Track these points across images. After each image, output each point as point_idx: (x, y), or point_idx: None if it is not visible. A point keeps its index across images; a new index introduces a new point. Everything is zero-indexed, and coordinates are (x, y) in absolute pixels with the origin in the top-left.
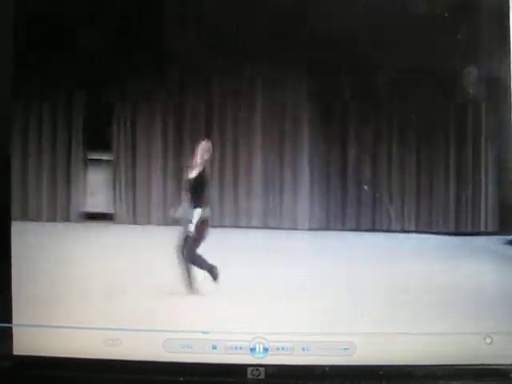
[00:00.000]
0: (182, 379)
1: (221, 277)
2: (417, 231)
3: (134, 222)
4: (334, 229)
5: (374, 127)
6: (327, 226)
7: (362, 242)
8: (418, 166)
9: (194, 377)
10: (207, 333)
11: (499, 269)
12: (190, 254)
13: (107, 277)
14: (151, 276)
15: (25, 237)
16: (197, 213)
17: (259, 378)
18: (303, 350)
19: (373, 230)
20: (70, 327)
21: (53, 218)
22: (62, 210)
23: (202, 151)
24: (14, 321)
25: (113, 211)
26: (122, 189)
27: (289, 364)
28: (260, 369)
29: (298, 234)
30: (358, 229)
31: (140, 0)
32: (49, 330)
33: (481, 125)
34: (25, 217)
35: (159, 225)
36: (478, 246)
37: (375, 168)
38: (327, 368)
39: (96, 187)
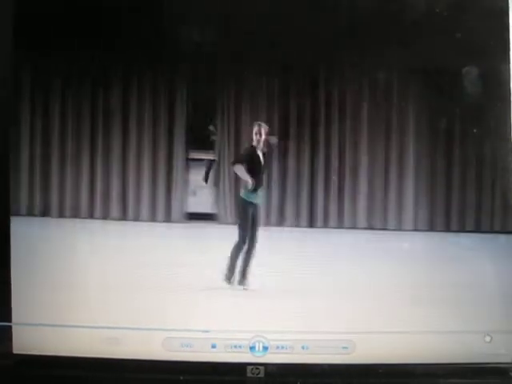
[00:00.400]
0: (181, 378)
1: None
2: (414, 230)
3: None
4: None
5: None
6: (324, 224)
7: (360, 240)
8: None
9: (193, 375)
10: (207, 331)
11: (499, 267)
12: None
13: (108, 275)
14: (152, 274)
15: (26, 233)
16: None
17: (259, 376)
18: (303, 348)
19: (369, 228)
20: (70, 326)
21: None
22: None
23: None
24: (14, 320)
25: (215, 211)
26: (226, 188)
27: (288, 362)
28: (260, 367)
29: (297, 233)
30: (354, 227)
31: None
32: (49, 329)
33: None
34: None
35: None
36: (477, 244)
37: None
38: (326, 366)
39: (198, 187)
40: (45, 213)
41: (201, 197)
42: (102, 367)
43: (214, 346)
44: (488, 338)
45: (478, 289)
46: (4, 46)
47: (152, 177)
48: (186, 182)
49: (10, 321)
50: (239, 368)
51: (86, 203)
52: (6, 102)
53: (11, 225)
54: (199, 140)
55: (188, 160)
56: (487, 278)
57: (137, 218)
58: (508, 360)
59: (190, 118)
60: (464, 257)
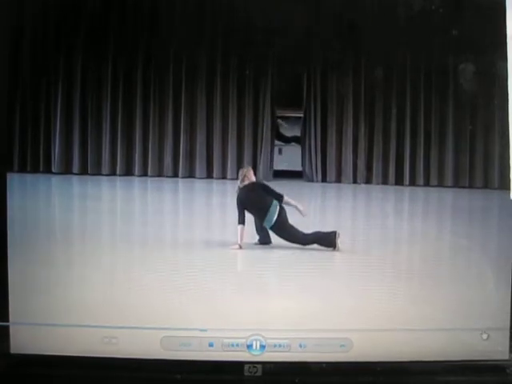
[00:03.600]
0: (179, 377)
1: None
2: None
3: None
4: None
5: None
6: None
7: (358, 235)
8: None
9: (191, 374)
10: (205, 330)
11: (496, 264)
12: None
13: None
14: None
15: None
16: None
17: (256, 374)
18: (300, 346)
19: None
20: (67, 325)
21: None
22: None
23: None
24: (11, 319)
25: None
26: (312, 147)
27: (286, 361)
28: (257, 366)
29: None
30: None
31: None
32: (46, 329)
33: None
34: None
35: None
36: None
37: None
38: (324, 365)
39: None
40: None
41: (287, 155)
42: (99, 366)
43: (211, 345)
44: (485, 336)
45: (474, 286)
46: None
47: (238, 135)
48: (272, 139)
49: (7, 320)
50: (237, 366)
51: (171, 163)
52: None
53: (7, 230)
54: (286, 98)
55: (275, 118)
56: (485, 274)
57: (224, 176)
58: (505, 357)
59: (276, 76)
60: (461, 254)
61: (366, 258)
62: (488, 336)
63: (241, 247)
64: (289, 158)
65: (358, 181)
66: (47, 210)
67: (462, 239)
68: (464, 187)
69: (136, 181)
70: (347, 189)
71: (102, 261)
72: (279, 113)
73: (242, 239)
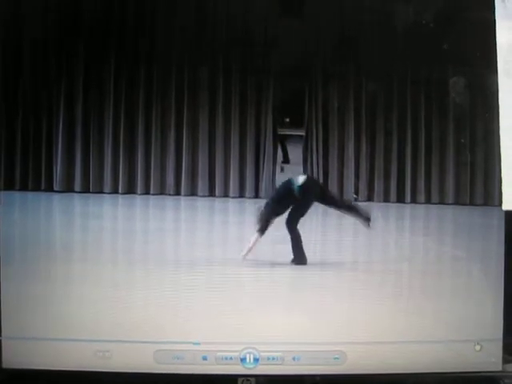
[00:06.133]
0: None
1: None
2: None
3: None
4: None
5: None
6: None
7: (348, 248)
8: None
9: None
10: (198, 344)
11: (488, 276)
12: None
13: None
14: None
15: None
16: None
17: None
18: (294, 359)
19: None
20: (60, 339)
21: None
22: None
23: None
24: (4, 333)
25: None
26: (314, 165)
27: (279, 374)
28: (251, 379)
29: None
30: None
31: None
32: (38, 343)
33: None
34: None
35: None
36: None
37: None
38: (318, 377)
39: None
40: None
41: (289, 173)
42: (93, 380)
43: (204, 358)
44: (478, 347)
45: (467, 297)
46: None
47: (240, 153)
48: (274, 158)
49: None
50: (230, 380)
51: (173, 181)
52: None
53: None
54: (288, 116)
55: (276, 136)
56: (478, 286)
57: (227, 194)
58: (498, 368)
59: (278, 93)
60: (454, 265)
61: (359, 272)
62: (481, 347)
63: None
64: (291, 175)
65: (360, 198)
66: (43, 226)
67: (454, 251)
68: (459, 204)
69: (138, 199)
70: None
71: (95, 275)
72: (281, 131)
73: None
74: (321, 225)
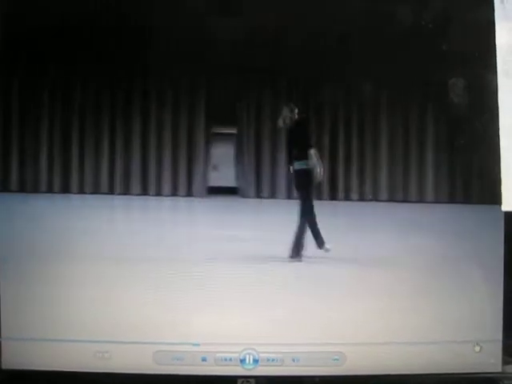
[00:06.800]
0: None
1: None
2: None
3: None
4: None
5: None
6: None
7: (350, 249)
8: None
9: None
10: (198, 344)
11: (487, 276)
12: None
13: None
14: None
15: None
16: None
17: None
18: (293, 360)
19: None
20: (59, 340)
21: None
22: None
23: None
24: (3, 334)
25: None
26: (246, 162)
27: (279, 375)
28: (250, 380)
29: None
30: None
31: None
32: (38, 344)
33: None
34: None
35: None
36: (468, 253)
37: None
38: (317, 379)
39: (219, 161)
40: (38, 209)
41: (222, 171)
42: (92, 381)
43: (204, 360)
44: (478, 348)
45: (466, 298)
46: None
47: (173, 152)
48: (207, 156)
49: None
50: (230, 381)
51: (107, 181)
52: None
53: None
54: (221, 114)
55: (209, 134)
56: (477, 287)
57: (160, 193)
58: (498, 369)
59: (212, 92)
60: (454, 266)
61: (359, 273)
62: (480, 348)
63: None
64: (224, 174)
65: (294, 196)
66: (40, 227)
67: (453, 252)
68: (457, 203)
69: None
70: (283, 204)
71: (94, 276)
72: (213, 129)
73: None
74: (322, 225)
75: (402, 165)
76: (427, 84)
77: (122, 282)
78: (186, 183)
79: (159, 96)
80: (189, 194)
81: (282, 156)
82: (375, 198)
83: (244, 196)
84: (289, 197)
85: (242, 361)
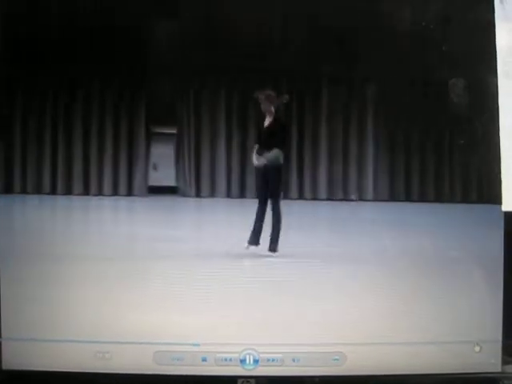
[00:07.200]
0: None
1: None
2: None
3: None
4: None
5: None
6: None
7: (349, 251)
8: None
9: None
10: (198, 345)
11: (487, 276)
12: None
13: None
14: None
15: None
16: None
17: None
18: (293, 361)
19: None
20: (59, 341)
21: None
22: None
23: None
24: (3, 335)
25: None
26: (186, 162)
27: (279, 375)
28: (250, 380)
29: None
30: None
31: None
32: (38, 344)
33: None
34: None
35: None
36: (468, 253)
37: None
38: (317, 379)
39: (159, 161)
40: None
41: (162, 171)
42: (92, 382)
43: (204, 360)
44: (478, 348)
45: (466, 298)
46: None
47: (113, 151)
48: (147, 156)
49: None
50: (230, 381)
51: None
52: None
53: None
54: (161, 114)
55: (150, 134)
56: (477, 286)
57: (101, 193)
58: (498, 370)
59: (152, 91)
60: (454, 266)
61: (359, 273)
62: (480, 348)
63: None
64: (164, 173)
65: (233, 195)
66: (39, 228)
67: (453, 252)
68: (457, 202)
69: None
70: (222, 203)
71: (94, 276)
72: (154, 129)
73: None
74: (322, 223)
75: (403, 165)
76: (427, 84)
77: (123, 283)
78: (127, 182)
79: (99, 95)
80: (130, 193)
81: (222, 156)
82: (375, 198)
83: (184, 195)
84: (228, 195)
85: (242, 361)
